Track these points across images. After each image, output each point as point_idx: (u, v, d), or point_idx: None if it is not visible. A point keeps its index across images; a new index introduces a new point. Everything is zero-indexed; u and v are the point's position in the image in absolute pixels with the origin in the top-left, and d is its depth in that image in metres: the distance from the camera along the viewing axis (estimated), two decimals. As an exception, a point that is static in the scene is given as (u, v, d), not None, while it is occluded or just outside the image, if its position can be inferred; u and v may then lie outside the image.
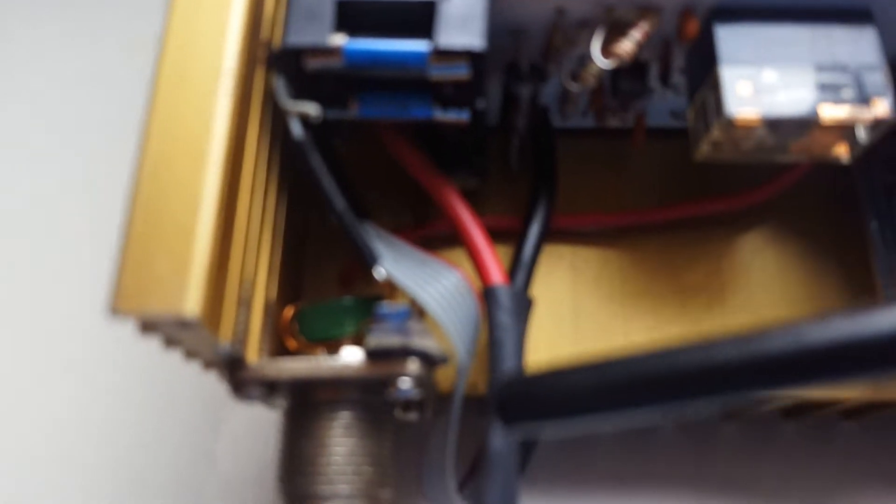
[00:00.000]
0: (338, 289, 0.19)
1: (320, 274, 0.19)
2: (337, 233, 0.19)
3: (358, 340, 0.17)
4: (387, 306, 0.15)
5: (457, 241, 0.19)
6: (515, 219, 0.19)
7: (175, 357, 0.14)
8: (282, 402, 0.17)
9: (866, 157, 0.19)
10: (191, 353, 0.15)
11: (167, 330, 0.13)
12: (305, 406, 0.16)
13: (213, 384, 0.17)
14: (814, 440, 0.22)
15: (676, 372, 0.13)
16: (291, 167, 0.17)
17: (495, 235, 0.18)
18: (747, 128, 0.16)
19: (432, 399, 0.18)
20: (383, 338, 0.15)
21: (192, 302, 0.12)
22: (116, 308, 0.12)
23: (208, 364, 0.16)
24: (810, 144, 0.16)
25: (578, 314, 0.19)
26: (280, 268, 0.17)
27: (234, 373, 0.15)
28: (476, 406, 0.21)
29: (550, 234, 0.20)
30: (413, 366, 0.15)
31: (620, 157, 0.21)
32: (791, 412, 0.22)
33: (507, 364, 0.16)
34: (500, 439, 0.16)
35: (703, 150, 0.16)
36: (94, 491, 0.22)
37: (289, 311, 0.17)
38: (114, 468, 0.22)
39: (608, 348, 0.19)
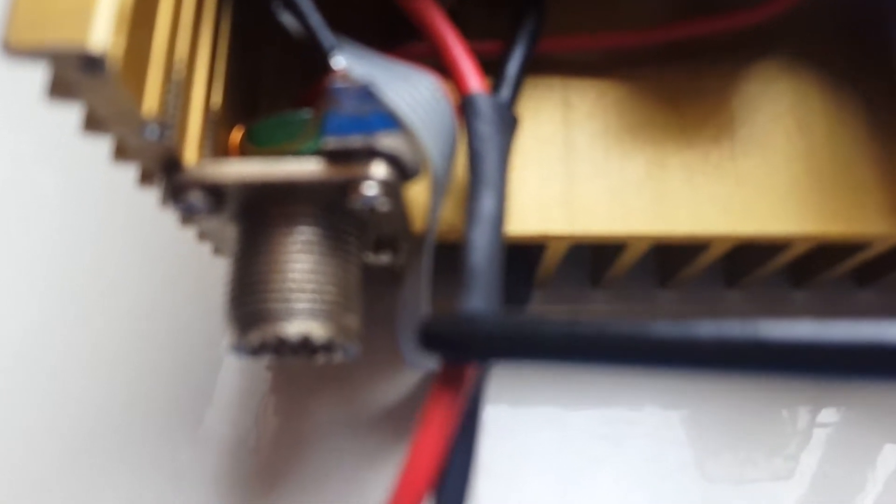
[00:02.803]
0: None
1: (278, 101, 0.17)
2: (298, 63, 0.17)
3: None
4: (341, 81, 0.13)
5: (434, 66, 0.17)
6: (499, 43, 0.17)
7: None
8: (231, 227, 0.15)
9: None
10: (121, 148, 0.13)
11: (76, 84, 0.11)
12: (259, 224, 0.14)
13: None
14: (826, 310, 0.21)
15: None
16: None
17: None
18: None
19: (406, 237, 0.16)
20: (345, 137, 0.13)
21: (101, 34, 0.10)
22: (10, 42, 0.10)
23: (143, 172, 0.13)
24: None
25: (571, 152, 0.17)
26: (227, 79, 0.15)
27: (172, 176, 0.13)
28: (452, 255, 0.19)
29: (539, 64, 0.18)
30: (379, 168, 0.13)
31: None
32: (732, 276, 0.20)
33: (488, 175, 0.14)
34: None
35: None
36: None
37: (238, 131, 0.15)
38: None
39: (603, 187, 0.17)
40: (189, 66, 0.13)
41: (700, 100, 0.18)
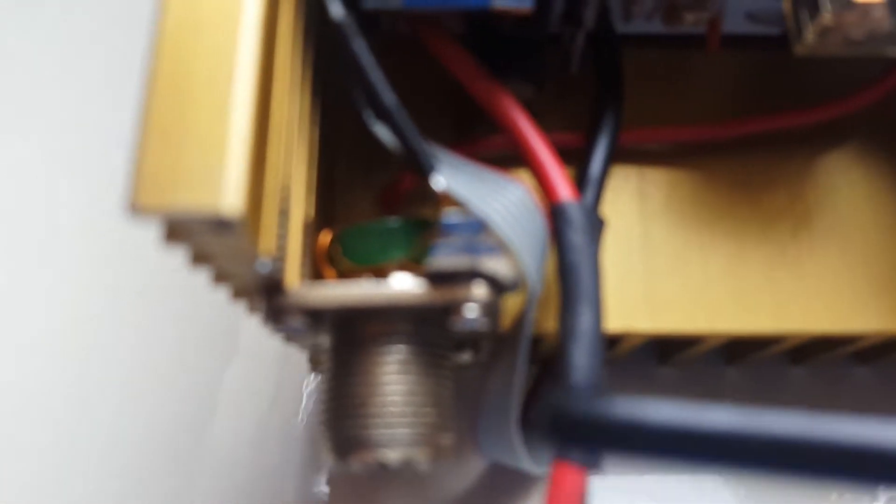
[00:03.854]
0: (376, 213, 0.17)
1: (354, 198, 0.17)
2: (371, 152, 0.17)
3: (405, 269, 0.14)
4: (454, 216, 0.13)
5: (508, 161, 0.16)
6: (576, 135, 0.17)
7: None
8: (324, 339, 0.14)
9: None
10: (221, 275, 0.12)
11: (198, 236, 0.10)
12: (353, 341, 0.14)
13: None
14: (824, 386, 0.20)
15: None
16: (324, 69, 0.15)
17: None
18: (865, 8, 0.13)
19: (490, 336, 0.16)
20: (448, 257, 0.13)
21: (232, 197, 0.10)
22: (138, 205, 0.10)
23: (238, 290, 0.13)
24: (932, 29, 0.14)
25: (649, 245, 0.17)
26: (318, 187, 0.15)
27: (273, 300, 0.13)
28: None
29: (614, 154, 0.17)
30: (481, 290, 0.13)
31: (687, 69, 0.19)
32: (799, 356, 0.20)
33: (584, 289, 0.14)
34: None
35: (808, 40, 0.14)
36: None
37: (326, 236, 0.15)
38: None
39: (683, 283, 0.17)
40: (290, 188, 0.13)
41: (776, 191, 0.18)
